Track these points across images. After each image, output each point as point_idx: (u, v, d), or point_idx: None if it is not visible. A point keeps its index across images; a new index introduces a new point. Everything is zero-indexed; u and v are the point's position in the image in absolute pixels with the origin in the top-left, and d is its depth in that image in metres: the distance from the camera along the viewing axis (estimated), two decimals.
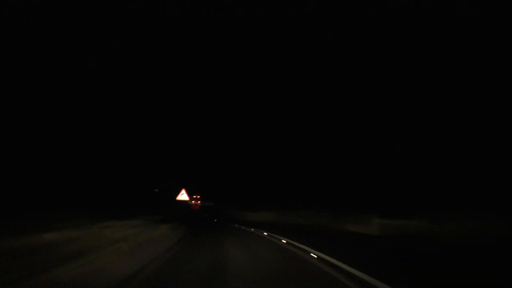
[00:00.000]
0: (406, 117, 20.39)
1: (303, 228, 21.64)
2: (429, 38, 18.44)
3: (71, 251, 6.36)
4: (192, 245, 12.83)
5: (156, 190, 40.20)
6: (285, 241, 13.26)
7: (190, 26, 25.04)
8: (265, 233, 17.29)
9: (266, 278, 6.71)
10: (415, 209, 15.38)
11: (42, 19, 15.07)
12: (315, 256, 9.44)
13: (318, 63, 28.33)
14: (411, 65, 19.77)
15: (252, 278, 6.67)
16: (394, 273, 7.04)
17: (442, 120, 18.23)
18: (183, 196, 23.02)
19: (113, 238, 8.65)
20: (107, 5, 17.78)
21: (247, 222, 32.90)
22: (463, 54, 16.88)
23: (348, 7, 20.55)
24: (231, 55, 30.39)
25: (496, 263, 8.19)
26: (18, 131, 14.08)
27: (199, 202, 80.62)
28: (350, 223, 18.55)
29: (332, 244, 13.16)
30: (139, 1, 20.37)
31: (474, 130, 16.41)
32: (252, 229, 20.77)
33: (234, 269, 7.59)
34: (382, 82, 22.44)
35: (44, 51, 15.31)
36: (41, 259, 5.52)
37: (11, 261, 5.09)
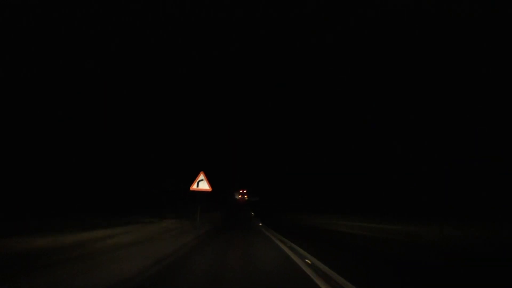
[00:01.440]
0: (406, 117, 20.40)
1: None
2: (429, 38, 18.45)
3: None
4: None
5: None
6: None
7: (190, 26, 25.07)
8: None
9: None
10: None
11: (42, 19, 15.08)
12: None
13: (318, 63, 28.37)
14: (411, 65, 19.78)
15: None
16: None
17: (442, 120, 18.23)
18: (202, 184, 14.38)
19: None
20: (107, 5, 17.80)
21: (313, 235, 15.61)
22: (463, 54, 16.89)
23: (348, 7, 20.57)
24: (231, 55, 30.43)
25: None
26: (18, 131, 14.08)
27: (246, 196, 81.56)
28: None
29: None
30: (139, 1, 20.40)
31: (474, 130, 16.42)
32: None
33: None
34: (382, 82, 22.45)
35: (44, 51, 15.33)
36: None
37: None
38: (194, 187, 14.43)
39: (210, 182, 14.79)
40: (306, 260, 7.23)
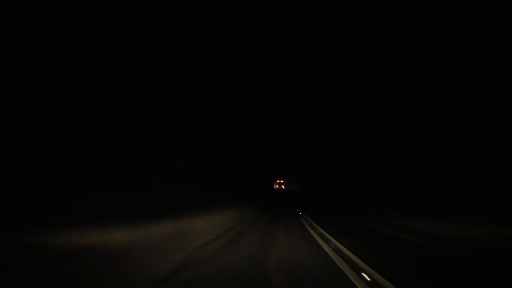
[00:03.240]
0: (406, 117, 20.41)
1: None
2: (429, 38, 18.46)
3: None
4: None
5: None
6: None
7: (190, 26, 25.06)
8: None
9: None
10: None
11: (42, 19, 15.08)
12: None
13: (318, 63, 28.38)
14: (411, 65, 19.80)
15: None
16: None
17: (442, 120, 18.25)
18: None
19: None
20: (107, 5, 17.79)
21: None
22: (463, 54, 16.90)
23: (348, 7, 20.58)
24: (231, 55, 30.43)
25: None
26: (17, 131, 14.09)
27: (283, 186, 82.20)
28: None
29: None
30: (139, 1, 20.39)
31: (474, 130, 16.43)
32: None
33: None
34: (382, 82, 22.46)
35: (44, 51, 15.32)
36: None
37: None
38: None
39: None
40: None
